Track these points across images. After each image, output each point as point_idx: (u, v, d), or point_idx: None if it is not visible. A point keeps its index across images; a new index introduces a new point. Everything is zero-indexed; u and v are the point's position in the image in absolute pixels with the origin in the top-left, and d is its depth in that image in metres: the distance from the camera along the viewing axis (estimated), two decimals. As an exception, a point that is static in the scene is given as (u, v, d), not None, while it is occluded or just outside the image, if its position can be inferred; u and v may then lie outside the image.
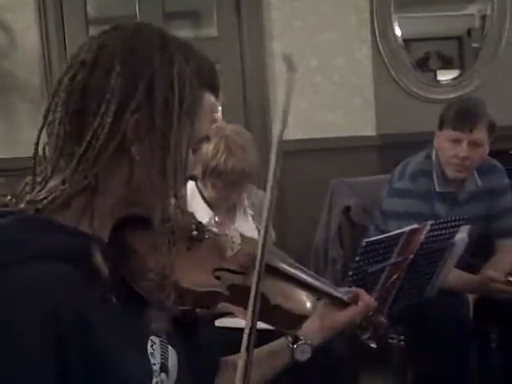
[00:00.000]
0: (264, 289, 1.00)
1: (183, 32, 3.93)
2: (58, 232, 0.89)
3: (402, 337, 2.27)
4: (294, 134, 3.34)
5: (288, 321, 1.19)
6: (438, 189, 2.50)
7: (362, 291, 1.38)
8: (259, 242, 0.90)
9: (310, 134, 3.44)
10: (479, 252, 2.64)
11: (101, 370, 0.86)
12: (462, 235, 2.18)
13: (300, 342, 1.27)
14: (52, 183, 0.92)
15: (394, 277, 2.05)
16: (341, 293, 1.35)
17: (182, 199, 1.02)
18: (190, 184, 2.23)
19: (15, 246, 0.84)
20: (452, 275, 2.33)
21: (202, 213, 2.15)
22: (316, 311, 1.30)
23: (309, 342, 1.28)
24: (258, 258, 0.88)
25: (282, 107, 0.98)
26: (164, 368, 1.00)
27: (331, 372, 1.94)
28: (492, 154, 2.50)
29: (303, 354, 1.27)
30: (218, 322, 2.07)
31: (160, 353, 1.00)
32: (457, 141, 2.41)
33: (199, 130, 0.97)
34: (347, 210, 2.94)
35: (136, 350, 0.95)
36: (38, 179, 0.94)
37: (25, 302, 0.80)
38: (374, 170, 3.37)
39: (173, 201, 0.97)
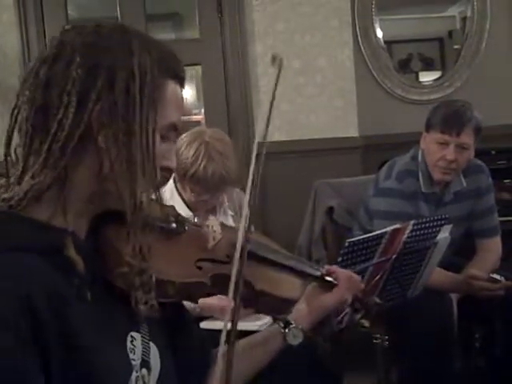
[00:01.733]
0: (248, 275, 1.01)
1: (165, 34, 3.93)
2: (29, 226, 0.89)
3: (386, 337, 2.28)
4: (276, 135, 3.33)
5: (275, 305, 1.20)
6: (423, 189, 2.51)
7: (336, 268, 1.38)
8: (240, 226, 0.90)
9: (293, 136, 3.43)
10: (462, 251, 2.65)
11: (78, 357, 0.86)
12: (444, 234, 2.19)
13: (291, 326, 1.27)
14: (25, 180, 0.92)
15: (377, 277, 2.05)
16: (322, 273, 1.35)
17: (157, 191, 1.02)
18: (170, 185, 2.22)
19: None
20: (435, 274, 2.34)
21: (182, 214, 2.13)
22: (304, 295, 1.32)
23: (300, 326, 1.28)
24: (239, 242, 0.88)
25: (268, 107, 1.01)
26: (145, 364, 1.00)
27: (316, 372, 1.94)
28: (475, 154, 2.51)
29: (295, 338, 1.27)
30: (203, 325, 2.06)
31: (141, 349, 1.00)
32: (444, 144, 2.42)
33: (164, 117, 0.98)
34: (330, 210, 2.94)
35: (113, 344, 0.95)
36: (12, 180, 0.94)
37: None
38: (356, 171, 3.37)
39: (145, 190, 0.97)
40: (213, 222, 1.21)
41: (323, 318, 1.34)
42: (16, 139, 0.97)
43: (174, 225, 1.13)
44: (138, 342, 1.00)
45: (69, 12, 3.52)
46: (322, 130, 3.47)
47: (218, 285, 1.07)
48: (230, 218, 2.29)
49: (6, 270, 0.83)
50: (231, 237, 1.13)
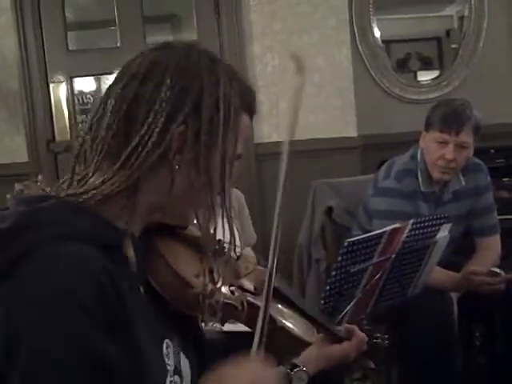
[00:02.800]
0: (272, 311, 1.04)
1: (163, 36, 3.92)
2: (94, 219, 0.93)
3: (386, 336, 2.27)
4: (275, 136, 3.34)
5: (291, 345, 1.21)
6: (422, 189, 2.51)
7: (355, 328, 1.43)
8: (269, 262, 0.93)
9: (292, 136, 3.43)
10: (461, 250, 2.65)
11: (133, 346, 0.89)
12: (443, 233, 2.19)
13: (298, 369, 1.30)
14: (91, 182, 0.96)
15: (377, 276, 2.06)
16: (339, 330, 1.40)
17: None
18: None
19: (49, 226, 0.88)
20: (435, 273, 2.34)
21: None
22: (315, 342, 1.33)
23: (305, 368, 1.31)
24: (267, 278, 0.91)
25: (291, 113, 1.06)
26: (177, 371, 1.02)
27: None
28: (474, 152, 2.51)
29: (299, 381, 1.29)
30: (226, 328, 2.06)
31: (174, 357, 1.02)
32: (443, 143, 2.42)
33: (238, 149, 1.03)
34: (330, 210, 2.94)
35: (153, 344, 0.97)
36: (77, 178, 0.98)
37: (66, 274, 0.83)
38: (355, 171, 3.38)
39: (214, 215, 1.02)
40: (248, 255, 1.29)
41: (328, 367, 1.39)
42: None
43: (216, 247, 1.15)
44: (171, 350, 1.02)
45: (66, 14, 3.52)
46: (321, 130, 3.47)
47: (244, 312, 1.11)
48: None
49: (79, 257, 0.86)
50: (261, 273, 1.19)
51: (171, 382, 0.99)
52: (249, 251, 1.30)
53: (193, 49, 1.03)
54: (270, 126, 3.42)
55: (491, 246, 2.63)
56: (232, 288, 1.13)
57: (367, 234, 2.02)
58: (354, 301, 2.04)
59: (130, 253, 0.96)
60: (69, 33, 3.53)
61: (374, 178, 2.64)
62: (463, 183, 2.58)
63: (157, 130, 0.94)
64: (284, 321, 1.18)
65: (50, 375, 0.80)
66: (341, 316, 2.04)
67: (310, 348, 1.31)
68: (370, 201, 2.61)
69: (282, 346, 1.19)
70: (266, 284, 0.93)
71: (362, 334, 1.42)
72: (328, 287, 1.96)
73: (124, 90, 0.97)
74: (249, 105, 1.06)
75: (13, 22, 3.38)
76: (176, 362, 1.02)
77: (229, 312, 1.09)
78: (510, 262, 2.48)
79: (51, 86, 3.49)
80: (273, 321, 1.13)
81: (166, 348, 1.00)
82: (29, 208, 0.90)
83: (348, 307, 2.03)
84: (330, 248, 2.90)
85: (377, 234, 2.00)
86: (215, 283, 1.02)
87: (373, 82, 3.83)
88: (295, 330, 1.21)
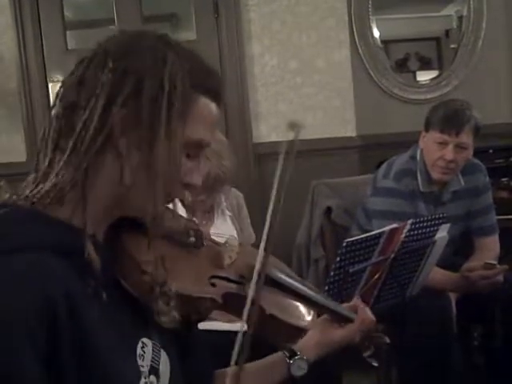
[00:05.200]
0: (259, 299, 0.98)
1: (162, 35, 3.92)
2: (48, 224, 0.90)
3: (385, 336, 2.27)
4: (273, 135, 3.34)
5: (283, 332, 1.17)
6: (422, 189, 2.52)
7: (361, 305, 1.34)
8: (260, 248, 0.89)
9: (290, 136, 3.42)
10: (460, 250, 2.65)
11: (91, 359, 0.86)
12: (442, 233, 2.19)
13: (296, 357, 1.23)
14: (49, 179, 0.93)
15: (376, 276, 2.06)
16: (342, 309, 1.31)
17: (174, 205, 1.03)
18: None
19: (1, 238, 0.85)
20: (434, 273, 2.34)
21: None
22: (314, 326, 1.28)
23: (305, 357, 1.24)
24: (257, 265, 0.87)
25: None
26: (153, 371, 0.99)
27: (315, 371, 1.93)
28: (473, 152, 2.51)
29: (299, 370, 1.23)
30: (201, 326, 2.05)
31: (151, 356, 0.99)
32: (443, 143, 2.42)
33: (191, 132, 0.96)
34: (328, 210, 2.94)
35: (124, 348, 0.95)
36: (38, 175, 0.95)
37: (12, 291, 0.81)
38: (354, 171, 3.38)
39: (165, 202, 0.98)
40: (231, 242, 1.20)
41: (329, 352, 1.30)
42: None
43: (192, 239, 1.12)
44: (149, 349, 0.99)
45: (65, 13, 3.52)
46: (320, 130, 3.47)
47: (229, 304, 1.06)
48: (228, 219, 2.28)
49: (28, 269, 0.83)
50: (247, 258, 1.13)
51: (146, 383, 0.96)
52: (232, 239, 1.25)
53: (143, 33, 0.99)
54: (269, 126, 3.42)
55: (490, 246, 2.63)
56: (213, 280, 1.08)
57: (366, 234, 2.01)
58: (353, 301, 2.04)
59: (93, 255, 0.91)
60: (68, 32, 3.53)
61: (373, 177, 2.64)
62: (462, 183, 2.58)
63: (97, 113, 0.91)
64: (273, 308, 1.13)
65: None
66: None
67: (311, 333, 1.26)
68: (368, 201, 2.61)
69: (274, 334, 1.16)
70: (255, 275, 0.89)
71: (367, 312, 1.32)
72: (326, 287, 1.96)
73: (70, 76, 0.96)
74: (208, 87, 0.98)
75: (12, 20, 3.38)
76: (154, 361, 0.99)
77: (209, 306, 1.05)
78: (508, 261, 2.47)
79: (50, 85, 3.48)
80: (261, 309, 1.08)
81: (142, 348, 0.98)
82: None
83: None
84: (328, 248, 2.90)
85: (375, 234, 2.00)
86: (165, 270, 0.96)
87: (372, 82, 3.82)
88: (287, 317, 1.16)
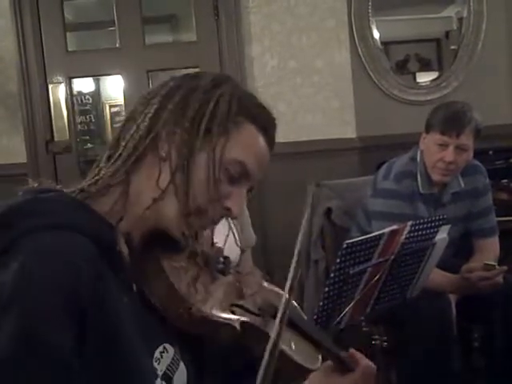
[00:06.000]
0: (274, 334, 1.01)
1: (162, 37, 3.93)
2: (86, 212, 0.95)
3: (385, 338, 2.28)
4: (274, 137, 3.33)
5: (291, 371, 1.17)
6: (421, 190, 2.52)
7: (361, 357, 1.29)
8: (285, 289, 0.91)
9: (290, 137, 3.43)
10: (460, 252, 2.65)
11: (114, 348, 0.88)
12: (442, 235, 2.19)
13: None
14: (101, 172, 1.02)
15: (376, 278, 2.06)
16: (347, 357, 1.28)
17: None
18: None
19: (43, 215, 0.90)
20: (434, 275, 2.34)
21: None
22: (319, 370, 1.26)
23: None
24: (281, 307, 0.89)
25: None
26: (166, 378, 1.00)
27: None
28: (473, 154, 2.51)
29: None
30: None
31: (169, 363, 1.01)
32: (444, 145, 2.42)
33: (232, 151, 1.01)
34: (329, 212, 2.94)
35: (143, 346, 0.96)
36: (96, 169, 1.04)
37: (51, 264, 0.84)
38: (354, 172, 3.38)
39: (200, 220, 1.02)
40: (255, 274, 1.25)
41: None
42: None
43: (221, 265, 1.16)
44: (169, 355, 1.01)
45: (65, 15, 3.52)
46: (320, 131, 3.48)
47: (245, 333, 1.08)
48: (229, 220, 2.27)
49: (68, 245, 0.87)
50: (267, 293, 1.19)
51: None
52: (257, 274, 1.28)
53: (211, 74, 1.08)
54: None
55: (490, 248, 2.63)
56: (233, 308, 1.10)
57: (366, 236, 2.01)
58: (353, 302, 2.05)
59: (124, 249, 0.97)
60: (68, 33, 3.53)
61: (374, 179, 2.64)
62: (462, 185, 2.58)
63: (149, 115, 1.00)
64: (285, 345, 1.15)
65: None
66: (339, 317, 2.04)
67: (314, 377, 1.24)
68: (368, 202, 2.61)
69: (281, 371, 1.17)
70: (280, 314, 0.91)
71: (368, 363, 1.28)
72: (326, 289, 1.96)
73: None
74: (256, 117, 1.04)
75: (12, 22, 3.38)
76: (169, 369, 1.00)
77: (228, 332, 1.07)
78: (508, 263, 2.47)
79: (50, 86, 3.48)
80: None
81: (161, 352, 0.99)
82: (27, 197, 0.94)
83: (347, 309, 2.03)
84: (328, 249, 2.91)
85: (375, 236, 2.00)
86: (187, 303, 1.00)
87: (372, 83, 3.82)
88: (296, 355, 1.17)
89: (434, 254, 2.22)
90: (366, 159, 3.49)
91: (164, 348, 1.00)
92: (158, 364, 0.98)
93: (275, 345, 0.86)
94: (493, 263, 2.40)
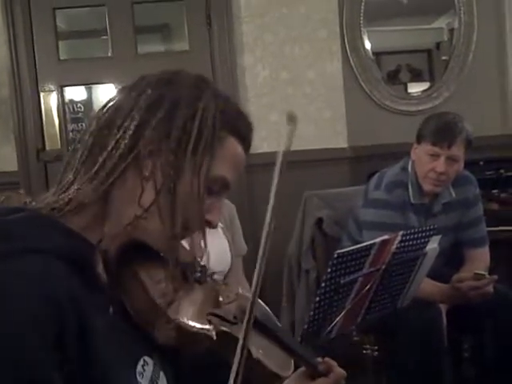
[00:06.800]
0: (249, 342, 0.99)
1: (154, 46, 3.93)
2: (63, 232, 0.91)
3: (376, 347, 2.28)
4: (265, 146, 3.34)
5: (265, 378, 1.18)
6: (412, 200, 2.52)
7: (334, 363, 1.32)
8: (252, 290, 0.91)
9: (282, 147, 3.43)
10: (451, 262, 2.66)
11: (94, 371, 0.86)
12: (433, 245, 2.20)
13: None
14: (71, 190, 0.96)
15: (367, 287, 2.06)
16: (319, 363, 1.30)
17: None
18: None
19: (16, 239, 0.86)
20: (424, 285, 2.34)
21: None
22: (292, 376, 1.27)
23: None
24: (248, 306, 0.89)
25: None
26: None
27: None
28: (464, 164, 2.52)
29: None
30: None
31: (151, 375, 1.00)
32: (435, 155, 2.44)
33: (217, 169, 0.99)
34: (320, 221, 2.94)
35: (125, 364, 0.95)
36: (62, 186, 0.99)
37: (23, 291, 0.80)
38: (345, 182, 3.39)
39: (182, 235, 1.00)
40: (231, 284, 1.24)
41: None
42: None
43: (198, 274, 1.15)
44: (150, 368, 1.00)
45: (57, 24, 3.52)
46: (311, 141, 3.48)
47: (221, 342, 1.08)
48: (219, 230, 2.27)
49: (39, 271, 0.83)
50: (241, 301, 1.17)
51: None
52: (233, 283, 1.27)
53: (183, 71, 1.04)
54: (260, 137, 3.42)
55: (480, 258, 2.64)
56: (209, 317, 1.10)
57: (357, 246, 2.01)
58: (344, 312, 2.05)
59: (100, 269, 0.94)
60: (60, 42, 3.53)
61: (365, 188, 2.65)
62: (453, 195, 2.59)
63: (129, 132, 0.95)
64: (260, 353, 1.15)
65: None
66: (330, 327, 2.04)
67: (288, 382, 1.26)
68: (360, 212, 2.62)
69: (255, 378, 1.17)
70: (247, 315, 0.90)
71: (341, 371, 1.31)
72: (317, 298, 1.96)
73: (111, 100, 1.01)
74: (238, 129, 1.03)
75: (4, 31, 3.38)
76: (152, 381, 1.00)
77: (204, 341, 1.07)
78: (498, 273, 2.48)
79: (42, 94, 3.48)
80: (249, 352, 1.09)
81: (142, 366, 0.98)
82: None
83: (337, 318, 2.03)
84: (319, 259, 2.91)
85: (366, 246, 2.00)
86: (165, 313, 1.00)
87: (363, 93, 3.84)
88: (271, 363, 1.17)
89: (425, 264, 2.23)
90: (358, 169, 3.50)
91: (144, 361, 0.99)
92: (142, 378, 0.97)
93: (243, 346, 0.86)
94: (483, 272, 2.41)
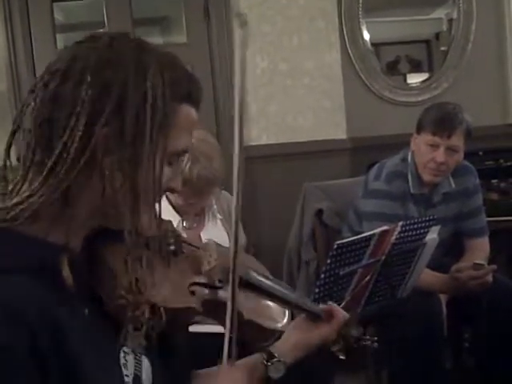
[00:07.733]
0: (238, 304, 0.99)
1: (152, 38, 3.91)
2: (21, 243, 0.87)
3: (376, 338, 2.27)
4: (264, 138, 3.34)
5: (259, 336, 1.17)
6: (412, 191, 2.52)
7: (336, 307, 1.33)
8: (230, 256, 0.89)
9: (281, 139, 3.44)
10: (451, 252, 2.66)
11: (74, 378, 0.84)
12: (432, 235, 2.20)
13: (274, 360, 1.22)
14: (22, 192, 0.90)
15: (367, 278, 2.06)
16: (317, 308, 1.31)
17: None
18: None
19: None
20: (424, 275, 2.34)
21: (170, 218, 2.12)
22: (290, 328, 1.28)
23: (282, 359, 1.23)
24: (231, 271, 0.87)
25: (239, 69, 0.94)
26: (137, 380, 0.99)
27: (306, 373, 1.93)
28: (463, 155, 2.52)
29: (277, 372, 1.22)
30: (192, 328, 2.05)
31: (134, 364, 0.99)
32: (434, 145, 2.44)
33: (174, 144, 0.95)
34: (320, 213, 2.94)
35: (108, 360, 0.94)
36: (10, 188, 0.92)
37: None
38: (345, 173, 3.39)
39: (148, 216, 0.94)
40: (209, 246, 1.19)
41: (307, 353, 1.29)
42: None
43: (171, 247, 1.11)
44: (131, 357, 0.99)
45: (55, 16, 3.51)
46: (310, 132, 3.48)
47: (209, 310, 1.06)
48: (219, 222, 2.27)
49: (2, 294, 0.80)
50: (225, 261, 1.10)
51: None
52: (211, 243, 1.23)
53: (117, 40, 0.94)
54: (259, 129, 3.42)
55: (480, 248, 2.64)
56: (193, 288, 1.07)
57: (357, 237, 2.01)
58: (344, 303, 2.04)
59: (66, 272, 0.87)
60: (57, 35, 3.51)
61: (365, 179, 2.65)
62: (453, 185, 2.59)
63: (79, 134, 0.87)
64: (251, 312, 1.13)
65: None
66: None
67: (288, 335, 1.26)
68: (359, 202, 2.62)
69: (251, 337, 1.16)
70: (231, 282, 0.88)
71: (341, 312, 1.31)
72: (317, 289, 1.96)
73: (45, 89, 0.90)
74: (188, 93, 0.96)
75: (1, 23, 3.36)
76: (136, 369, 0.99)
77: (190, 315, 1.05)
78: (498, 263, 2.48)
79: (40, 88, 3.47)
80: (240, 314, 1.08)
81: (124, 357, 0.97)
82: None
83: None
84: (320, 250, 2.91)
85: (366, 237, 2.00)
86: (141, 293, 0.94)
87: (362, 84, 3.83)
88: (264, 321, 1.16)
89: (425, 254, 2.23)
90: (357, 160, 3.50)
91: (124, 352, 0.98)
92: (127, 369, 0.97)
93: (233, 308, 0.85)
94: (482, 262, 2.41)
